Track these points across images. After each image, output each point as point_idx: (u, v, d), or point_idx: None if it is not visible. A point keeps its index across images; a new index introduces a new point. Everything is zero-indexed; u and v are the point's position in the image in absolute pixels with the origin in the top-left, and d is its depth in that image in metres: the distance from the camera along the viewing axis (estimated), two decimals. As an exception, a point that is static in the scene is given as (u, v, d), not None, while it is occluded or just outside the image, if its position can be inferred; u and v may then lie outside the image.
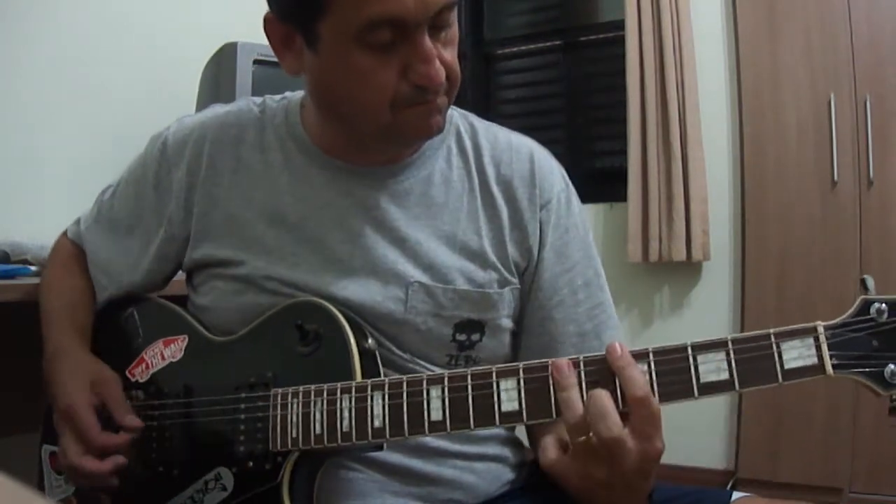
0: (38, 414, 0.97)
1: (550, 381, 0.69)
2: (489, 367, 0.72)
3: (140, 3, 2.10)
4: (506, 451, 0.92)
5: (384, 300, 0.84)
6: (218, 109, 0.95)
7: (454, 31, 0.79)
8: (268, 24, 0.82)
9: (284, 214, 0.88)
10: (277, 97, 0.95)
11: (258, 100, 0.95)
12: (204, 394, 0.85)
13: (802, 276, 2.37)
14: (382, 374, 0.79)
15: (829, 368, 0.64)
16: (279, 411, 0.78)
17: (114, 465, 0.81)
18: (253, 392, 0.81)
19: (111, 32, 2.02)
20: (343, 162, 0.88)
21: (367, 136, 0.84)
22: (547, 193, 0.90)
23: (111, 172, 1.04)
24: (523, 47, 3.25)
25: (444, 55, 0.77)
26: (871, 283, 0.66)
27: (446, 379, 0.72)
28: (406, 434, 0.73)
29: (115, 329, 0.96)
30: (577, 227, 0.92)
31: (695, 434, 2.49)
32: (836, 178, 2.32)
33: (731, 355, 0.65)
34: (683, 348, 0.67)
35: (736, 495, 0.82)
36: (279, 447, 0.78)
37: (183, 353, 0.89)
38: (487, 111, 3.17)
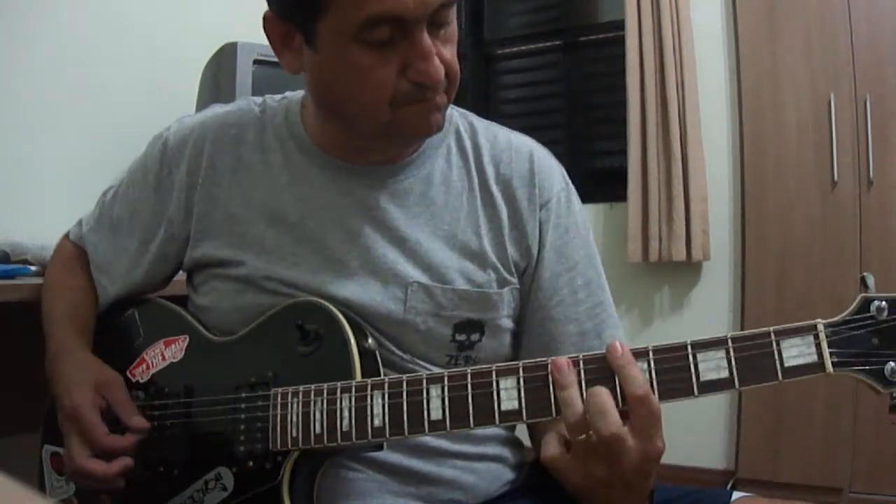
0: (38, 414, 0.97)
1: (550, 380, 0.69)
2: (489, 366, 0.72)
3: (140, 3, 2.10)
4: (505, 451, 0.92)
5: (384, 300, 0.84)
6: (218, 109, 0.95)
7: (453, 28, 0.79)
8: (267, 22, 0.82)
9: (284, 214, 0.88)
10: (278, 97, 0.95)
11: (258, 100, 0.95)
12: (204, 394, 0.85)
13: (802, 276, 2.37)
14: (382, 374, 0.79)
15: (829, 366, 0.63)
16: (279, 411, 0.78)
17: (122, 467, 0.81)
18: (253, 392, 0.81)
19: (111, 32, 2.02)
20: (343, 161, 0.88)
21: (367, 135, 0.84)
22: (546, 193, 0.90)
23: (111, 172, 1.04)
24: (523, 47, 3.26)
25: (443, 52, 0.77)
26: (871, 280, 0.65)
27: (446, 378, 0.72)
28: (406, 433, 0.73)
29: (115, 329, 0.96)
30: (577, 227, 0.91)
31: (695, 434, 2.49)
32: (836, 178, 2.32)
33: (731, 353, 0.65)
34: (683, 346, 0.67)
35: (736, 495, 0.82)
36: (279, 447, 0.78)
37: (184, 353, 0.89)
38: (487, 111, 3.17)
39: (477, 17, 3.32)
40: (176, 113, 1.05)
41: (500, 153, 0.91)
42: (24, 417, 1.12)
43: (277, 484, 0.77)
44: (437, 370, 0.83)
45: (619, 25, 2.76)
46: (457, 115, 0.93)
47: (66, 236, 1.08)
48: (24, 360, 1.00)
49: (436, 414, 0.72)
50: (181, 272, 0.98)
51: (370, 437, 0.74)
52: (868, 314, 0.64)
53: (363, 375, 0.77)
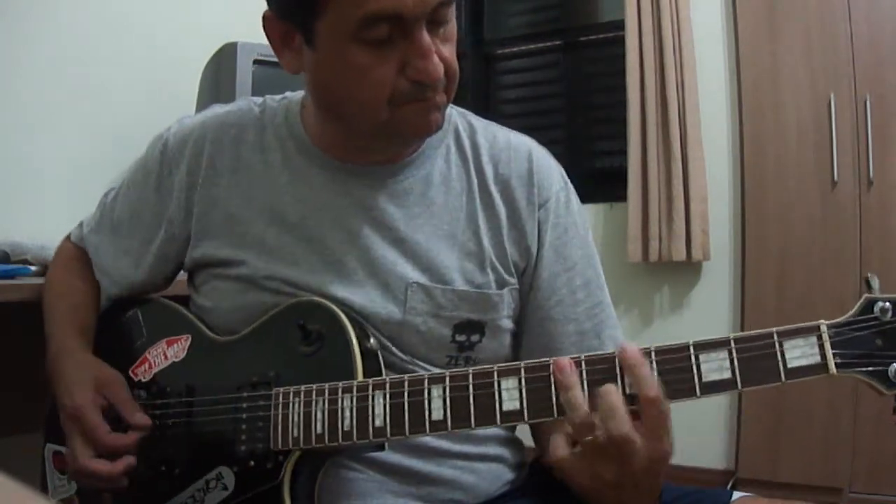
0: (39, 414, 0.97)
1: (552, 381, 0.69)
2: (490, 366, 0.72)
3: (140, 3, 2.10)
4: (506, 452, 0.92)
5: (383, 301, 0.84)
6: (218, 109, 0.95)
7: (452, 27, 0.79)
8: (267, 22, 0.82)
9: (284, 214, 0.88)
10: (277, 97, 0.95)
11: (258, 100, 0.95)
12: (206, 393, 0.85)
13: (802, 276, 2.37)
14: (384, 375, 0.79)
15: (832, 367, 0.63)
16: (280, 411, 0.78)
17: (125, 466, 0.81)
18: (255, 391, 0.81)
19: (111, 32, 2.02)
20: (342, 162, 0.88)
21: (367, 135, 0.84)
22: (545, 193, 0.90)
23: (111, 173, 1.04)
24: (523, 47, 3.25)
25: (443, 51, 0.77)
26: (875, 282, 0.65)
27: (447, 378, 0.72)
28: (407, 433, 0.73)
29: (118, 329, 0.96)
30: (576, 227, 0.91)
31: (695, 434, 2.49)
32: (836, 178, 2.32)
33: (734, 354, 0.65)
34: (686, 347, 0.67)
35: (736, 495, 0.82)
36: (280, 446, 0.78)
37: (186, 352, 0.89)
38: (487, 111, 3.17)
39: (477, 17, 3.32)
40: (176, 113, 1.04)
41: (498, 153, 0.91)
42: (24, 417, 1.12)
43: (278, 484, 0.77)
44: (437, 371, 0.83)
45: (619, 25, 2.75)
46: (456, 115, 0.93)
47: (68, 238, 1.08)
48: (25, 360, 1.00)
49: (437, 414, 0.72)
50: (182, 272, 0.98)
51: (371, 437, 0.74)
52: (872, 315, 0.64)
53: (365, 376, 0.76)
